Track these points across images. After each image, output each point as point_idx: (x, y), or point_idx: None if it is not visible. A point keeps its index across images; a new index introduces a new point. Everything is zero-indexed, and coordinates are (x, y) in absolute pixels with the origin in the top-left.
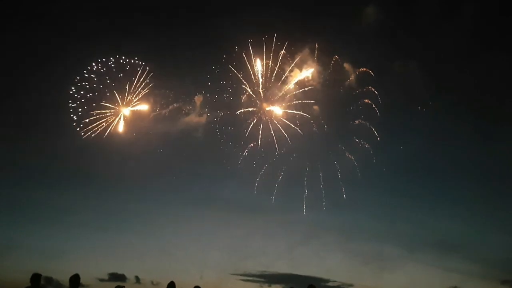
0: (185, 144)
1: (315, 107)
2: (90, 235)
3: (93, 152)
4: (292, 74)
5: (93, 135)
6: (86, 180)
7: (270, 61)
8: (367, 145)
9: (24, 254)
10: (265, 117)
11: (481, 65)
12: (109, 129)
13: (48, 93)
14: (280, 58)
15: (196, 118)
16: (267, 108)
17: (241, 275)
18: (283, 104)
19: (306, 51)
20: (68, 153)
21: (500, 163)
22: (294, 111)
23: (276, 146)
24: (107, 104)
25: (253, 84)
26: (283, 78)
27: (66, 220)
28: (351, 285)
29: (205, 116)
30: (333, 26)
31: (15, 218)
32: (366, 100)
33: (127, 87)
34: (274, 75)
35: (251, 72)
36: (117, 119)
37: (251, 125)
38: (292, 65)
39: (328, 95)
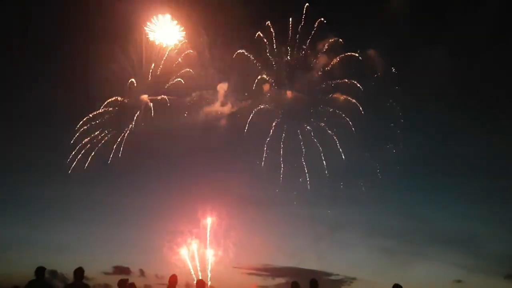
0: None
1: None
2: (95, 229)
3: None
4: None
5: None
6: (90, 174)
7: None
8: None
9: (29, 247)
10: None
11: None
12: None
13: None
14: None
15: (219, 108)
16: None
17: (244, 268)
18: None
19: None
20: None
21: (507, 158)
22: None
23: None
24: None
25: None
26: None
27: (71, 213)
28: (354, 278)
29: (228, 106)
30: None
31: (20, 212)
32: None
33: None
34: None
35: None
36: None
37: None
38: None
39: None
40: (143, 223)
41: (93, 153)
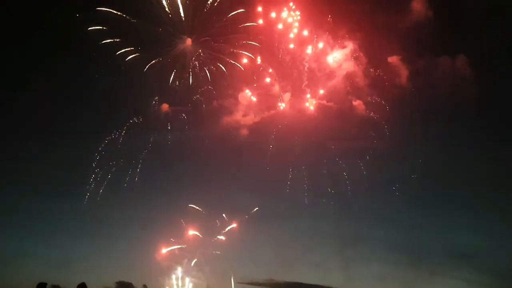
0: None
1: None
2: (97, 243)
3: None
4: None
5: None
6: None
7: None
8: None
9: (31, 262)
10: None
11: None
12: None
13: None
14: None
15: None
16: None
17: (247, 283)
18: None
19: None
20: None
21: None
22: None
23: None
24: None
25: None
26: None
27: (74, 228)
28: None
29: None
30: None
31: (22, 227)
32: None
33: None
34: None
35: None
36: None
37: None
38: None
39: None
40: (146, 238)
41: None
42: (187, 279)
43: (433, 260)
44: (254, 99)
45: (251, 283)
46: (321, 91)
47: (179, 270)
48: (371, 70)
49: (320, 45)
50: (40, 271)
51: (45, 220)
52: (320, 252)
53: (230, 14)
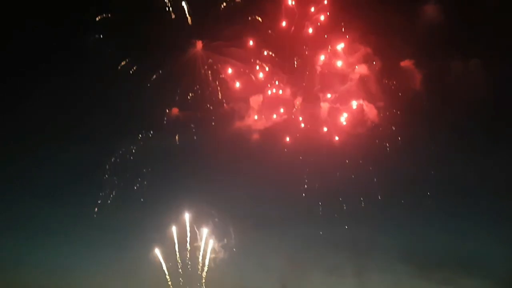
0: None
1: None
2: (101, 253)
3: None
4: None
5: None
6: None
7: None
8: None
9: (34, 272)
10: None
11: None
12: None
13: None
14: None
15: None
16: None
17: None
18: None
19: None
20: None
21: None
22: None
23: None
24: None
25: None
26: None
27: (77, 238)
28: None
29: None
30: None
31: (25, 235)
32: None
33: None
34: None
35: None
36: None
37: None
38: None
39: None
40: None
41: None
42: None
43: (446, 268)
44: (264, 103)
45: None
46: (333, 95)
47: None
48: (385, 74)
49: (336, 47)
50: (42, 281)
51: (45, 227)
52: (333, 260)
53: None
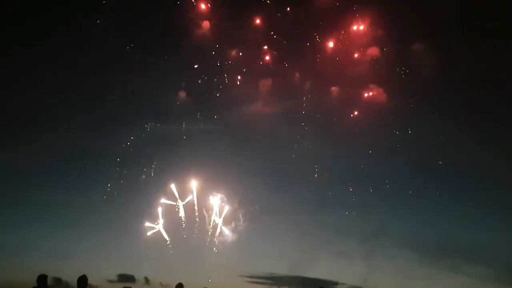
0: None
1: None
2: (100, 236)
3: None
4: None
5: None
6: (96, 180)
7: None
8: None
9: (33, 254)
10: None
11: None
12: None
13: None
14: None
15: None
16: None
17: (248, 277)
18: None
19: None
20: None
21: None
22: None
23: None
24: None
25: None
26: None
27: (76, 220)
28: (360, 287)
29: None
30: None
31: (24, 219)
32: None
33: None
34: None
35: None
36: None
37: None
38: None
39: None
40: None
41: None
42: None
43: (455, 255)
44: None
45: (253, 277)
46: (344, 81)
47: None
48: (397, 59)
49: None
50: (40, 263)
51: (47, 211)
52: (340, 246)
53: None
